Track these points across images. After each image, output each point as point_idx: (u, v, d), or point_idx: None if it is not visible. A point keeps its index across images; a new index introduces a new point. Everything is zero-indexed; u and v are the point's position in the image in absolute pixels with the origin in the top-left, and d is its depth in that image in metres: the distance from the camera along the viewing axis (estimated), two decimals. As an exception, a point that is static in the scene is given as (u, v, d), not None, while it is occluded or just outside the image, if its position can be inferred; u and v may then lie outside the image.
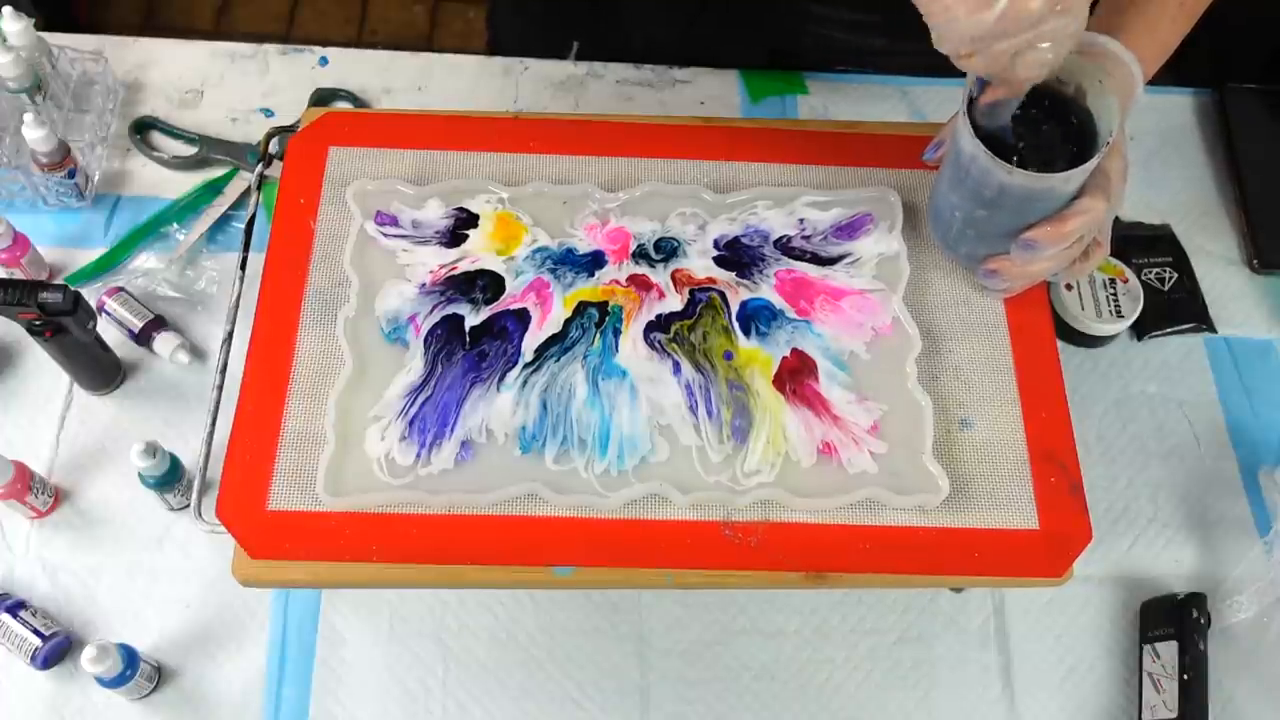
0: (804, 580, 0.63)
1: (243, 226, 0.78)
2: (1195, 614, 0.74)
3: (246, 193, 0.88)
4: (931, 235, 0.71)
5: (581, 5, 0.94)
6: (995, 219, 0.64)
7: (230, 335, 0.72)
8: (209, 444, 0.68)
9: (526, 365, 0.66)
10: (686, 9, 0.92)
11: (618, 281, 0.70)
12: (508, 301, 0.69)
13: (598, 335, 0.68)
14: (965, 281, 0.71)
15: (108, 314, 0.82)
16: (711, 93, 0.96)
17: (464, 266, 0.70)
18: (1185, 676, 0.73)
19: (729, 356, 0.67)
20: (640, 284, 0.70)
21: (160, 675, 0.73)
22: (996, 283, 0.68)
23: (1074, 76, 0.63)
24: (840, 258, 0.71)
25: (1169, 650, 0.74)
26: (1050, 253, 0.64)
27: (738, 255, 0.71)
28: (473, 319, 0.68)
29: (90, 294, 0.82)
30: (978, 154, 0.61)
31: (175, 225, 0.87)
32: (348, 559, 0.61)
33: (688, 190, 0.73)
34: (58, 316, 0.73)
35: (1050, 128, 0.64)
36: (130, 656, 0.69)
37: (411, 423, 0.64)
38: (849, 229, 0.72)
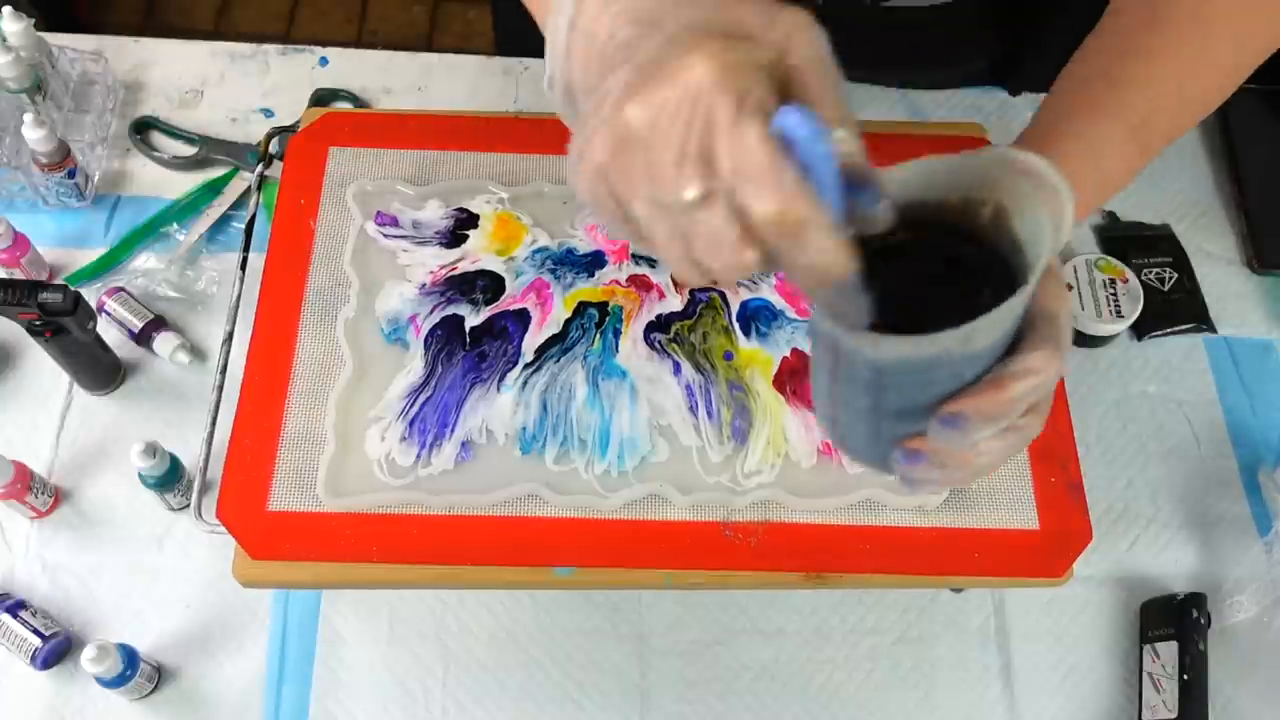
0: (804, 580, 0.63)
1: (243, 227, 0.78)
2: (1195, 614, 0.74)
3: (247, 193, 0.88)
4: (828, 437, 0.57)
5: None
6: (890, 401, 0.44)
7: (230, 335, 0.72)
8: (209, 444, 0.68)
9: (526, 365, 0.66)
10: None
11: (618, 282, 0.70)
12: (508, 302, 0.69)
13: (598, 335, 0.68)
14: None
15: (108, 314, 0.82)
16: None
17: (464, 267, 0.70)
18: (1185, 677, 0.73)
19: (729, 357, 0.67)
20: (640, 284, 0.70)
21: (160, 675, 0.73)
22: (923, 472, 0.45)
23: (992, 193, 0.43)
24: (840, 258, 0.71)
25: (1169, 650, 0.74)
26: (989, 431, 0.43)
27: (738, 255, 0.71)
28: (473, 319, 0.68)
29: (90, 294, 0.82)
30: (833, 333, 0.41)
31: (175, 225, 0.87)
32: (348, 559, 0.61)
33: (688, 190, 0.73)
34: (58, 317, 0.73)
35: (955, 266, 0.45)
36: (130, 657, 0.69)
37: (412, 423, 0.64)
38: (849, 229, 0.72)
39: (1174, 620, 0.75)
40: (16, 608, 0.72)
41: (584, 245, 0.71)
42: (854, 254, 0.37)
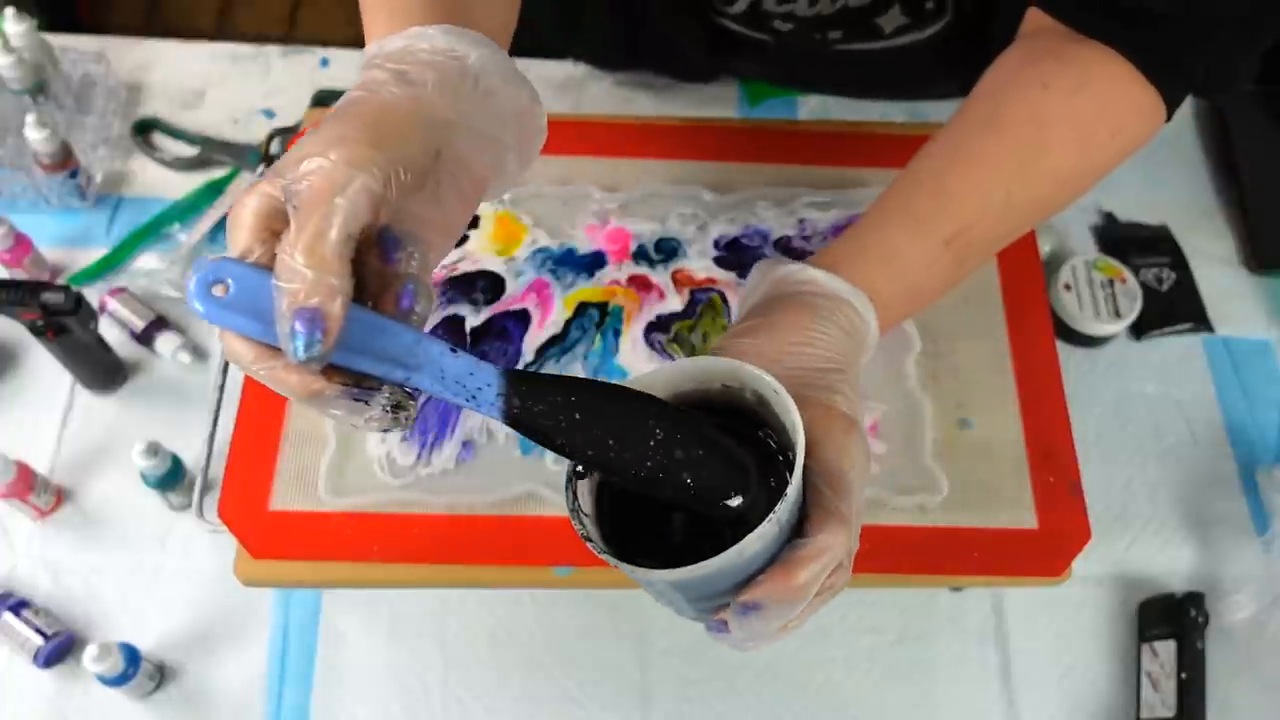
0: (803, 579, 0.63)
1: (244, 227, 0.78)
2: (1193, 613, 0.74)
3: (248, 193, 0.88)
4: None
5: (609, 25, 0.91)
6: (694, 592, 0.44)
7: (232, 335, 0.72)
8: (211, 444, 0.68)
9: (527, 366, 0.66)
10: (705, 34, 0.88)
11: (618, 282, 0.70)
12: (508, 302, 0.69)
13: (598, 336, 0.68)
14: (965, 282, 0.71)
15: (110, 314, 0.82)
16: (711, 93, 0.96)
17: (464, 267, 0.70)
18: (1183, 675, 0.73)
19: (728, 357, 0.67)
20: (640, 285, 0.70)
21: (162, 674, 0.73)
22: (738, 641, 0.44)
23: (744, 382, 0.44)
24: (839, 258, 0.71)
25: (1167, 649, 0.74)
26: (791, 611, 0.42)
27: (738, 256, 0.71)
28: (473, 320, 0.68)
29: (92, 294, 0.82)
30: (609, 561, 0.42)
31: (177, 226, 0.88)
32: (349, 559, 0.62)
33: (688, 190, 0.73)
34: (60, 317, 0.73)
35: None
36: (132, 655, 0.70)
37: (412, 423, 0.64)
38: (848, 229, 0.72)
39: (1172, 619, 0.75)
40: (19, 607, 0.72)
41: (584, 245, 0.71)
42: (309, 378, 0.39)
